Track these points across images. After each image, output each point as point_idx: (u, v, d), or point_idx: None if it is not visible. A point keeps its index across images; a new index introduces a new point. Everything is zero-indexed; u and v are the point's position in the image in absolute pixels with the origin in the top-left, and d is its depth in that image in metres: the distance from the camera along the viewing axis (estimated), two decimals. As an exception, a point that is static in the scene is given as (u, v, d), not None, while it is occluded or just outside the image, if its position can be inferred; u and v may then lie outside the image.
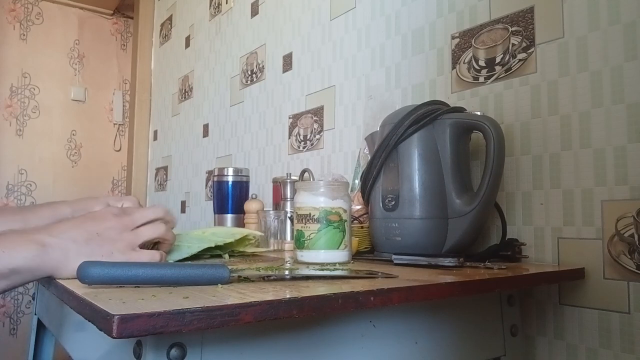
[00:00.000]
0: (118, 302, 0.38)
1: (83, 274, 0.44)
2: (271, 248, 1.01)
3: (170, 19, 2.36)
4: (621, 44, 0.70)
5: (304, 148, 1.36)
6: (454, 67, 0.94)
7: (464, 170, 0.77)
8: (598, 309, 0.71)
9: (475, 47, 0.90)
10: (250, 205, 1.17)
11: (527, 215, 0.80)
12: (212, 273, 0.48)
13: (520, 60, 0.82)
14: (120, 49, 2.91)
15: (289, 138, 1.43)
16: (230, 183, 1.27)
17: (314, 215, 0.70)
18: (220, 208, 1.27)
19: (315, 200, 0.71)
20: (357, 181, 0.98)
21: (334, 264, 0.70)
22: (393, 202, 0.76)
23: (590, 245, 0.72)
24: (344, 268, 0.66)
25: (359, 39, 1.19)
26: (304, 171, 1.10)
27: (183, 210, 2.08)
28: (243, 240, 0.84)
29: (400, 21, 1.07)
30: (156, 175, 2.41)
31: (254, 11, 1.65)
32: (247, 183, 1.30)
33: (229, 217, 1.26)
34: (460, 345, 0.64)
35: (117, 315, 0.33)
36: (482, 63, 0.89)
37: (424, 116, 0.75)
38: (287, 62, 1.46)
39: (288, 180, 1.13)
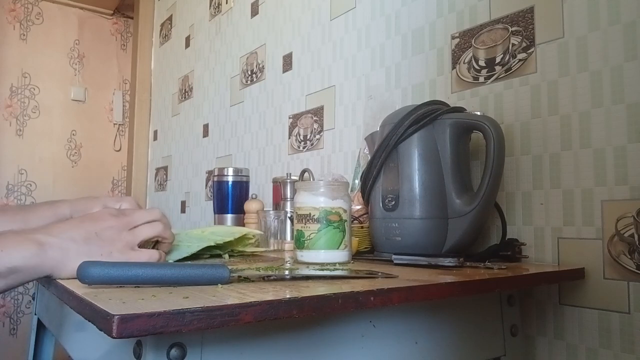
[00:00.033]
0: (118, 302, 0.38)
1: (83, 274, 0.44)
2: (271, 248, 1.01)
3: (170, 19, 2.36)
4: (621, 44, 0.70)
5: (304, 148, 1.36)
6: (454, 67, 0.94)
7: (464, 170, 0.77)
8: (598, 309, 0.71)
9: (475, 47, 0.90)
10: (250, 205, 1.17)
11: (527, 215, 0.80)
12: (212, 273, 0.48)
13: (520, 60, 0.82)
14: (120, 49, 2.91)
15: (289, 138, 1.43)
16: (230, 183, 1.27)
17: (314, 215, 0.70)
18: (220, 208, 1.27)
19: (315, 200, 0.71)
20: (357, 181, 0.98)
21: (334, 264, 0.70)
22: (393, 202, 0.76)
23: (590, 245, 0.72)
24: (344, 268, 0.66)
25: (359, 39, 1.19)
26: (304, 171, 1.10)
27: (183, 210, 2.08)
28: (242, 239, 0.84)
29: (400, 21, 1.07)
30: (156, 175, 2.41)
31: (254, 11, 1.65)
32: (247, 183, 1.30)
33: (229, 217, 1.26)
34: (460, 345, 0.64)
35: (117, 315, 0.33)
36: (482, 63, 0.89)
37: (424, 116, 0.75)
38: (287, 62, 1.46)
39: (288, 180, 1.13)
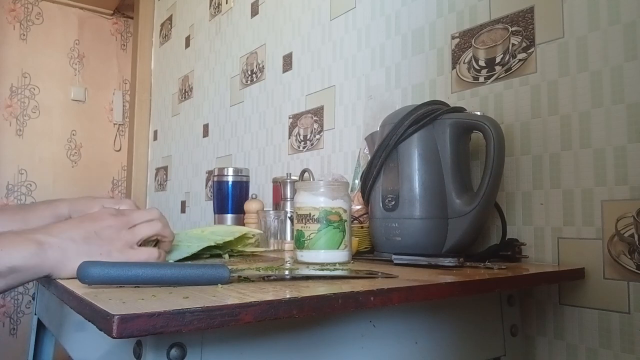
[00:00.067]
0: (118, 302, 0.38)
1: (83, 274, 0.44)
2: (271, 248, 1.01)
3: (170, 19, 2.36)
4: (621, 44, 0.70)
5: (304, 148, 1.36)
6: (454, 67, 0.94)
7: (464, 170, 0.77)
8: (598, 309, 0.71)
9: (475, 47, 0.90)
10: (250, 205, 1.17)
11: (527, 215, 0.80)
12: (212, 273, 0.48)
13: (520, 60, 0.82)
14: (120, 49, 2.91)
15: (289, 138, 1.43)
16: (230, 183, 1.27)
17: (314, 215, 0.70)
18: (220, 208, 1.27)
19: (315, 200, 0.71)
20: (357, 181, 0.98)
21: (334, 264, 0.70)
22: (393, 202, 0.76)
23: (590, 245, 0.72)
24: (344, 268, 0.66)
25: (359, 39, 1.19)
26: (304, 171, 1.10)
27: (183, 210, 2.08)
28: (242, 238, 0.84)
29: (400, 21, 1.07)
30: (156, 175, 2.41)
31: (254, 11, 1.65)
32: (247, 183, 1.30)
33: (229, 217, 1.26)
34: (460, 345, 0.64)
35: (117, 315, 0.33)
36: (482, 63, 0.89)
37: (424, 116, 0.75)
38: (287, 62, 1.46)
39: (288, 180, 1.13)
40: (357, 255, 0.81)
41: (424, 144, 0.75)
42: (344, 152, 1.22)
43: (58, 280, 0.51)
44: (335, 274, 0.58)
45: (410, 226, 0.74)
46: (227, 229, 0.83)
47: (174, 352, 0.41)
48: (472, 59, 0.90)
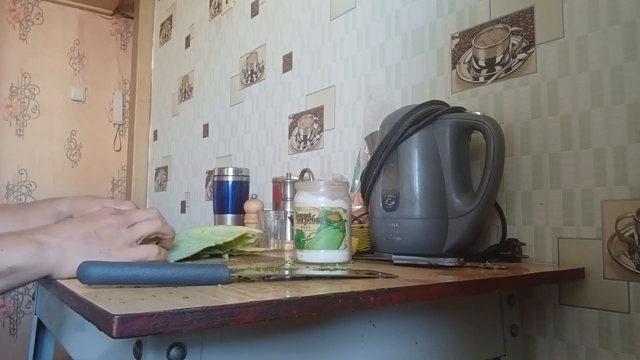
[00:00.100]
0: (118, 302, 0.38)
1: (83, 274, 0.44)
2: (271, 248, 1.01)
3: (170, 19, 2.36)
4: (621, 44, 0.70)
5: (304, 148, 1.36)
6: (454, 67, 0.94)
7: (464, 170, 0.77)
8: (598, 309, 0.71)
9: (475, 47, 0.90)
10: (250, 205, 1.17)
11: (527, 215, 0.80)
12: (212, 273, 0.48)
13: (520, 60, 0.82)
14: (120, 49, 2.91)
15: (289, 138, 1.43)
16: (230, 183, 1.27)
17: (314, 215, 0.70)
18: (220, 208, 1.27)
19: (315, 200, 0.71)
20: (357, 181, 0.98)
21: (334, 264, 0.70)
22: (393, 202, 0.76)
23: (590, 245, 0.72)
24: (344, 268, 0.66)
25: (359, 39, 1.19)
26: (304, 171, 1.10)
27: (183, 210, 2.08)
28: (242, 238, 0.84)
29: (400, 21, 1.07)
30: (156, 175, 2.41)
31: (254, 11, 1.65)
32: (247, 183, 1.30)
33: (229, 217, 1.26)
34: (460, 345, 0.64)
35: (117, 315, 0.33)
36: (482, 63, 0.89)
37: (424, 116, 0.75)
38: (287, 62, 1.46)
39: (288, 180, 1.13)
40: (357, 255, 0.81)
41: (424, 144, 0.75)
42: (344, 152, 1.22)
43: (58, 280, 0.51)
44: (335, 274, 0.58)
45: (410, 226, 0.74)
46: (227, 229, 0.83)
47: (174, 352, 0.41)
48: (472, 59, 0.90)
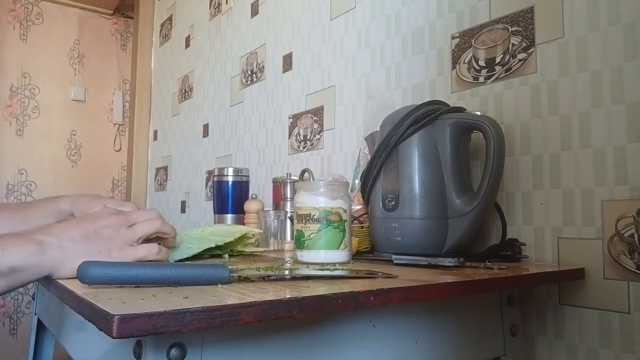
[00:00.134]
0: (118, 302, 0.38)
1: (83, 274, 0.44)
2: (271, 248, 1.01)
3: (170, 19, 2.36)
4: (621, 44, 0.70)
5: (304, 148, 1.36)
6: (454, 67, 0.94)
7: (464, 170, 0.77)
8: (598, 309, 0.71)
9: (475, 47, 0.90)
10: (250, 205, 1.17)
11: (527, 215, 0.80)
12: (212, 273, 0.48)
13: (520, 60, 0.82)
14: (120, 49, 2.91)
15: (289, 138, 1.43)
16: (230, 183, 1.27)
17: (314, 215, 0.70)
18: (220, 208, 1.27)
19: (315, 200, 0.71)
20: (357, 181, 0.98)
21: (334, 264, 0.70)
22: (393, 202, 0.76)
23: (590, 245, 0.72)
24: (344, 268, 0.66)
25: (359, 39, 1.19)
26: (304, 171, 1.10)
27: (183, 210, 2.08)
28: (242, 238, 0.84)
29: (400, 21, 1.07)
30: (156, 175, 2.41)
31: (254, 11, 1.65)
32: (247, 183, 1.30)
33: (229, 217, 1.26)
34: (460, 345, 0.64)
35: (117, 315, 0.33)
36: (482, 63, 0.89)
37: (424, 116, 0.75)
38: (287, 62, 1.46)
39: (288, 180, 1.13)
40: (357, 255, 0.81)
41: (424, 144, 0.75)
42: (344, 152, 1.22)
43: (58, 280, 0.51)
44: (335, 274, 0.58)
45: (410, 226, 0.74)
46: (227, 229, 0.83)
47: (174, 352, 0.41)
48: (472, 59, 0.90)
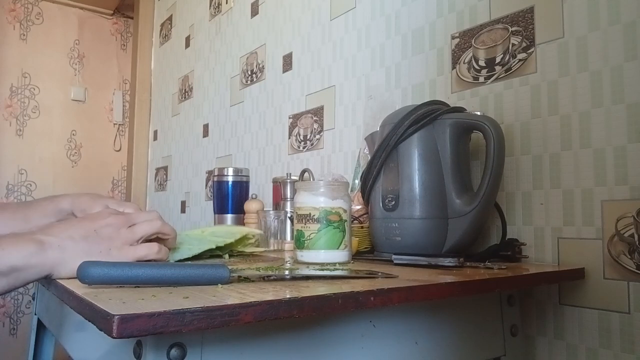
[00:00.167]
0: (118, 302, 0.38)
1: (83, 274, 0.44)
2: (271, 248, 1.01)
3: (170, 19, 2.36)
4: (621, 44, 0.70)
5: (304, 148, 1.36)
6: (454, 67, 0.94)
7: (464, 170, 0.77)
8: (598, 309, 0.71)
9: (475, 47, 0.90)
10: (250, 205, 1.17)
11: (527, 215, 0.80)
12: (212, 273, 0.48)
13: (520, 60, 0.82)
14: (120, 49, 2.91)
15: (289, 138, 1.43)
16: (230, 183, 1.27)
17: (314, 215, 0.70)
18: (220, 208, 1.27)
19: (315, 200, 0.71)
20: (357, 181, 0.98)
21: (334, 264, 0.70)
22: (393, 202, 0.76)
23: (590, 245, 0.72)
24: (344, 268, 0.66)
25: (359, 39, 1.19)
26: (304, 171, 1.10)
27: (183, 210, 2.08)
28: (243, 239, 0.84)
29: (400, 21, 1.07)
30: (156, 175, 2.41)
31: (254, 11, 1.65)
32: (247, 183, 1.30)
33: (229, 217, 1.26)
34: (460, 345, 0.64)
35: (117, 315, 0.33)
36: (482, 63, 0.89)
37: (424, 116, 0.75)
38: (287, 62, 1.46)
39: (288, 180, 1.13)
40: (357, 255, 0.81)
41: (424, 144, 0.75)
42: (344, 152, 1.22)
43: (58, 280, 0.51)
44: (335, 274, 0.58)
45: (410, 226, 0.74)
46: (227, 230, 0.83)
47: (174, 352, 0.41)
48: (472, 59, 0.90)
